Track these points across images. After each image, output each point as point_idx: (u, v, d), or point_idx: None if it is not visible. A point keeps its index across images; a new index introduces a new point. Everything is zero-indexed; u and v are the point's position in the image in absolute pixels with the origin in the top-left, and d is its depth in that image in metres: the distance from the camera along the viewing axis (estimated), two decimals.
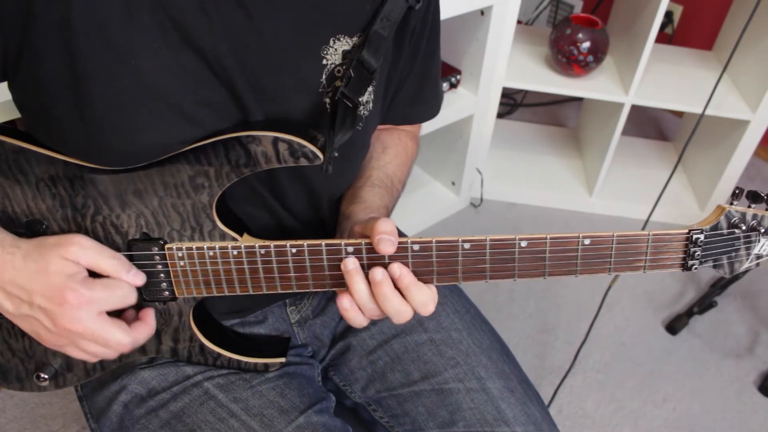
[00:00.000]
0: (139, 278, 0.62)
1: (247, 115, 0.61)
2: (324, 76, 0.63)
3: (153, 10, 0.54)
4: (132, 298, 0.61)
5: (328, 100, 0.65)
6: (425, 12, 0.72)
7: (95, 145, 0.58)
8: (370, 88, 0.67)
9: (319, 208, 0.73)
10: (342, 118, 0.62)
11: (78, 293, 0.56)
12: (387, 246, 0.58)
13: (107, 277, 0.60)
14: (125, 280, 0.60)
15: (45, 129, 0.59)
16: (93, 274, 0.59)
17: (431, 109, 0.83)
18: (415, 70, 0.76)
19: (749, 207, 0.63)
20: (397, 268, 0.59)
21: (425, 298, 0.60)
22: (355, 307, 0.61)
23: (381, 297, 0.59)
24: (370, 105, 0.69)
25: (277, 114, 0.63)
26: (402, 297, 0.60)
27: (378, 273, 0.59)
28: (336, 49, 0.63)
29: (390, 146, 0.82)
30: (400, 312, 0.60)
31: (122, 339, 0.60)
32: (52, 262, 0.57)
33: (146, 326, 0.64)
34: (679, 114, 2.34)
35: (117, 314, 0.63)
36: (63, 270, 0.57)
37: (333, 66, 0.64)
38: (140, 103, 0.56)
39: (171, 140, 0.59)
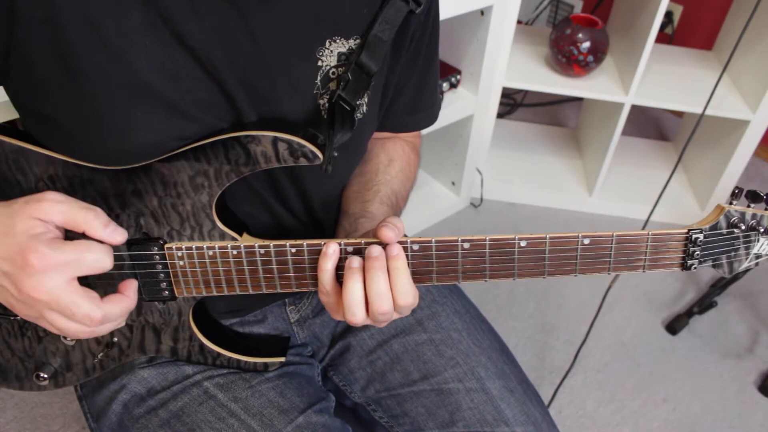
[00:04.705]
0: (119, 234, 0.55)
1: (240, 115, 0.61)
2: (319, 78, 0.63)
3: (143, 7, 0.54)
4: (107, 263, 0.54)
5: (322, 102, 0.64)
6: (425, 17, 0.71)
7: (92, 143, 0.58)
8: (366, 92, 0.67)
9: (310, 208, 0.73)
10: (340, 121, 0.62)
11: (42, 255, 0.50)
12: (389, 231, 0.56)
13: (81, 238, 0.54)
14: (102, 235, 0.54)
15: (42, 129, 0.59)
16: (69, 238, 0.54)
17: (429, 117, 0.83)
18: (413, 77, 0.75)
19: (748, 206, 0.63)
20: (396, 248, 0.57)
21: (408, 288, 0.58)
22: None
23: (371, 271, 0.57)
24: (364, 107, 0.69)
25: (270, 114, 0.62)
26: (389, 283, 0.57)
27: (375, 249, 0.57)
28: (332, 51, 0.63)
29: (395, 159, 0.81)
30: (381, 295, 0.57)
31: (91, 312, 0.53)
32: (18, 223, 0.51)
33: (123, 299, 0.58)
34: (679, 114, 2.34)
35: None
36: (28, 230, 0.51)
37: (328, 68, 0.63)
38: (135, 101, 0.56)
39: (168, 138, 0.58)
